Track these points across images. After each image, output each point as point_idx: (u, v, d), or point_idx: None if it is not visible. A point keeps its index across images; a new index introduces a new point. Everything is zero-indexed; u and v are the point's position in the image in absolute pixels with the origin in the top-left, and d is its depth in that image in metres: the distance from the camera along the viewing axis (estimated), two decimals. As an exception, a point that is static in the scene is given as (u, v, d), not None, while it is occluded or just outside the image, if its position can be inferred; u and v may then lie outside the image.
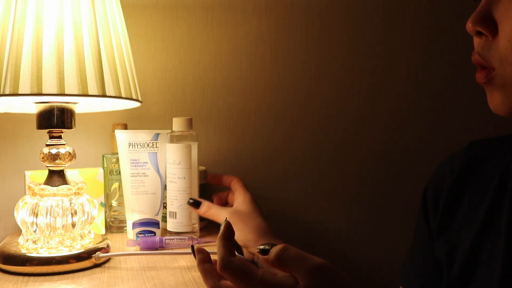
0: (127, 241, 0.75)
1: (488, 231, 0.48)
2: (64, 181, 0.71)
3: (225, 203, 0.83)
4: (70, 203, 0.68)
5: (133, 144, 0.82)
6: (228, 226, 0.45)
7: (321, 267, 0.40)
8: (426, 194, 0.58)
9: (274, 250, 0.42)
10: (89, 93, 0.65)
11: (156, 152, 0.83)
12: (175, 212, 0.79)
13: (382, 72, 1.12)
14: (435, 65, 1.14)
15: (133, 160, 0.82)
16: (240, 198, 0.76)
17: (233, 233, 0.45)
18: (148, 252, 0.71)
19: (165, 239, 0.74)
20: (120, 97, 0.70)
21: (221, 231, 0.45)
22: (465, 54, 1.14)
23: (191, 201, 0.77)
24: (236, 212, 0.73)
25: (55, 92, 0.62)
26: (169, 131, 0.81)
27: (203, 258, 0.46)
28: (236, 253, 0.45)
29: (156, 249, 0.72)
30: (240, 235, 0.70)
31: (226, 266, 0.42)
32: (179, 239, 0.74)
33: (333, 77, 1.09)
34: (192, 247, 0.48)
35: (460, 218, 0.52)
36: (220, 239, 0.44)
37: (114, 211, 0.87)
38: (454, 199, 0.53)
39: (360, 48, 1.10)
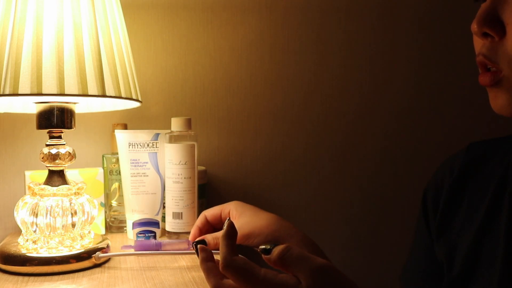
0: (121, 247, 0.72)
1: (487, 232, 0.48)
2: (64, 181, 0.71)
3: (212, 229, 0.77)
4: (70, 203, 0.68)
5: (133, 144, 0.82)
6: (231, 225, 0.45)
7: (324, 268, 0.40)
8: (426, 195, 0.58)
9: (276, 250, 0.42)
10: (89, 93, 0.65)
11: (156, 152, 0.83)
12: (181, 213, 0.79)
13: (381, 72, 1.12)
14: (434, 65, 1.14)
15: (133, 160, 0.82)
16: (237, 212, 0.72)
17: (236, 232, 0.45)
18: (148, 252, 0.71)
19: (162, 242, 0.73)
20: (120, 97, 0.70)
21: (224, 230, 0.45)
22: (464, 54, 1.14)
23: (195, 244, 0.71)
24: (243, 223, 0.70)
25: (55, 92, 0.62)
26: (169, 131, 0.81)
27: (206, 257, 0.46)
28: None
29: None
30: (260, 241, 0.69)
31: (229, 265, 0.42)
32: (176, 242, 0.73)
33: (332, 77, 1.09)
34: (196, 245, 0.47)
35: (459, 219, 0.52)
36: (223, 238, 0.44)
37: (114, 211, 0.87)
38: (453, 200, 0.53)
39: (359, 48, 1.10)
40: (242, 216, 0.71)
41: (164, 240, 0.74)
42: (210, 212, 0.74)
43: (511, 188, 0.48)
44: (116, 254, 0.70)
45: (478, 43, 0.45)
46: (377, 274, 1.13)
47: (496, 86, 0.43)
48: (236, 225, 0.70)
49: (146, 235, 0.76)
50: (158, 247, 0.71)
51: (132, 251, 0.72)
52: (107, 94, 0.67)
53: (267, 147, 1.06)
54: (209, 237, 0.71)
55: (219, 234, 0.71)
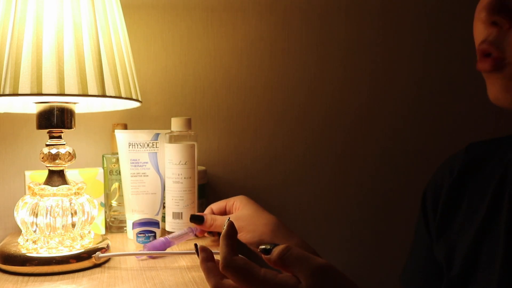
0: (136, 256, 0.72)
1: (487, 232, 0.48)
2: (64, 181, 0.71)
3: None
4: (70, 203, 0.68)
5: (133, 144, 0.82)
6: (231, 225, 0.45)
7: (324, 268, 0.40)
8: (426, 195, 0.58)
9: (276, 250, 0.42)
10: (89, 93, 0.65)
11: (156, 152, 0.83)
12: (181, 213, 0.79)
13: (382, 73, 1.12)
14: (435, 66, 1.14)
15: (133, 160, 0.82)
16: (240, 204, 0.76)
17: (236, 232, 0.45)
18: (148, 252, 0.71)
19: (169, 237, 0.74)
20: (120, 97, 0.70)
21: (224, 230, 0.45)
22: (465, 55, 1.14)
23: (193, 217, 0.75)
24: (242, 215, 0.73)
25: (55, 92, 0.62)
26: (169, 131, 0.81)
27: (206, 257, 0.46)
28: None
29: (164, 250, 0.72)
30: (254, 236, 0.70)
31: (229, 265, 0.42)
32: (180, 234, 0.75)
33: (333, 77, 1.09)
34: (196, 245, 0.48)
35: (459, 219, 0.52)
36: (223, 238, 0.44)
37: (114, 211, 0.87)
38: (453, 201, 0.53)
39: (360, 48, 1.10)
40: (244, 209, 0.74)
41: (169, 235, 0.74)
42: (217, 206, 0.79)
43: (511, 188, 0.48)
44: (116, 254, 0.71)
45: (481, 33, 0.44)
46: (377, 274, 1.13)
47: (496, 72, 0.43)
48: (236, 215, 0.72)
49: (146, 235, 0.76)
50: (167, 244, 0.72)
51: (135, 251, 0.72)
52: (107, 94, 0.67)
53: (268, 147, 1.06)
54: (208, 216, 0.75)
55: (219, 217, 0.73)
